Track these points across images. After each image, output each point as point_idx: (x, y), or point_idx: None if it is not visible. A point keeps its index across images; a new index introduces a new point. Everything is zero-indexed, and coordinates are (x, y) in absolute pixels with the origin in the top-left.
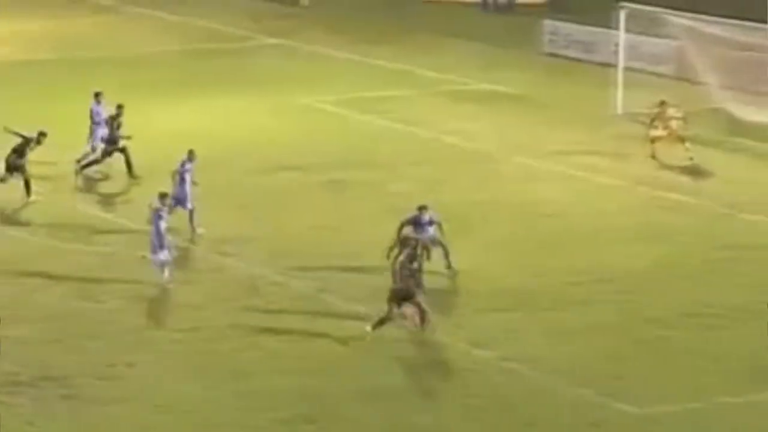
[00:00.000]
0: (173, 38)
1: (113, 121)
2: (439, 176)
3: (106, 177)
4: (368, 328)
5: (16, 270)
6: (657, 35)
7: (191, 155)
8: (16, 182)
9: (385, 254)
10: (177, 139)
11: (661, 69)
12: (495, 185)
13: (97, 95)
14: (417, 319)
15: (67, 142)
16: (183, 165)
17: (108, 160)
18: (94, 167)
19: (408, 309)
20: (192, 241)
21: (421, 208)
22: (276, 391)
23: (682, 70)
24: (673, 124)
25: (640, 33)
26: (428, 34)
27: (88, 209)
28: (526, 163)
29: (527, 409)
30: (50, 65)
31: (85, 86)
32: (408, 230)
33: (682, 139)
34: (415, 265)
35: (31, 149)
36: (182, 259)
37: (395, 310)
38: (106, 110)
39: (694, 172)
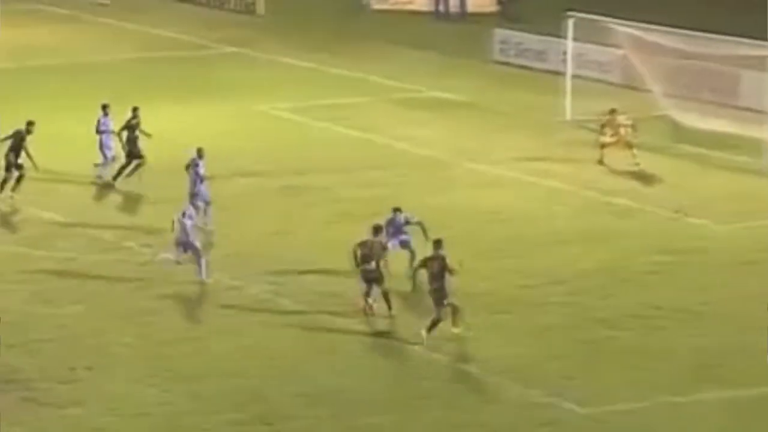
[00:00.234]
0: (129, 46)
1: (130, 125)
2: (393, 182)
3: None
4: (423, 332)
5: None
6: (604, 44)
7: (200, 153)
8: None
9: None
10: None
11: (608, 77)
12: (448, 190)
13: (104, 107)
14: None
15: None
16: (195, 164)
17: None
18: (125, 172)
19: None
20: (206, 233)
21: (396, 210)
22: (231, 393)
23: (628, 78)
24: (622, 131)
25: (588, 42)
26: (382, 42)
27: (48, 215)
28: (478, 168)
29: (478, 409)
30: (5, 74)
31: (39, 93)
32: (387, 231)
33: (630, 146)
34: (372, 265)
35: (26, 141)
36: (138, 265)
37: (441, 309)
38: (113, 121)
39: (641, 177)
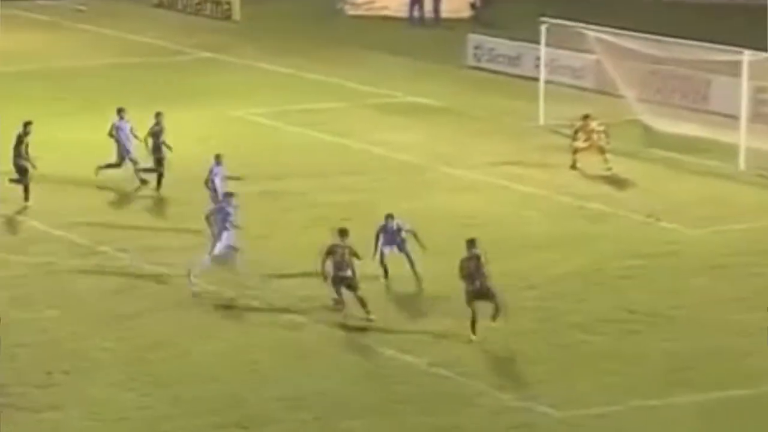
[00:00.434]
0: (106, 52)
1: (155, 131)
2: (369, 186)
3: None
4: (473, 337)
5: None
6: (577, 50)
7: (218, 159)
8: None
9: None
10: (105, 150)
11: (582, 82)
12: (423, 195)
13: (119, 111)
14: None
15: None
16: (211, 170)
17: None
18: (147, 175)
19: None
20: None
21: (388, 217)
22: (211, 397)
23: (601, 84)
24: (595, 136)
25: (561, 47)
26: (357, 48)
27: (25, 219)
28: (453, 173)
29: (452, 413)
30: None
31: (12, 97)
32: (381, 238)
33: (602, 151)
34: (348, 272)
35: (26, 142)
36: (114, 269)
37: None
38: (130, 124)
39: (614, 182)
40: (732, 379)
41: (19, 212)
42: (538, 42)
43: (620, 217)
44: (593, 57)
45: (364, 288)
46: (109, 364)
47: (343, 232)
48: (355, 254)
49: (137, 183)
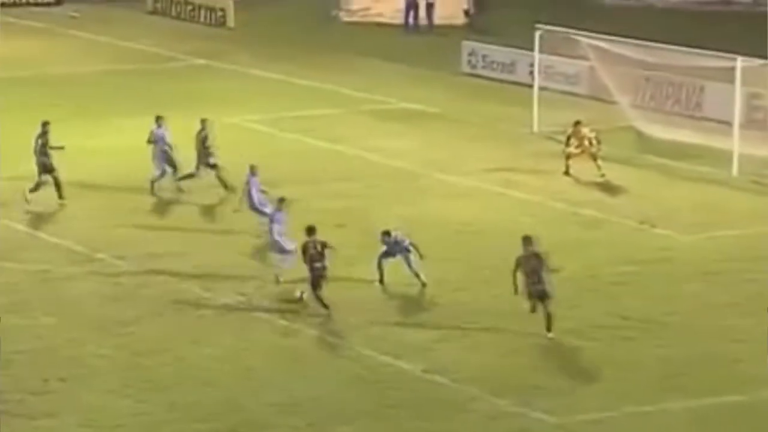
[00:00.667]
0: (100, 59)
1: (202, 136)
2: (364, 193)
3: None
4: (551, 335)
5: None
6: (571, 56)
7: (253, 170)
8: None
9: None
10: (100, 156)
11: (576, 89)
12: (417, 201)
13: (158, 119)
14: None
15: None
16: (247, 181)
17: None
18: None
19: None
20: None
21: (384, 234)
22: (207, 403)
23: (595, 90)
24: (587, 142)
25: (555, 54)
26: (352, 54)
27: (19, 226)
28: (448, 179)
29: (446, 419)
30: None
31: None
32: (393, 251)
33: (594, 157)
34: (324, 263)
35: (46, 142)
36: (110, 275)
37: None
38: (168, 133)
39: (607, 188)
40: (725, 385)
41: (14, 218)
42: (532, 49)
43: (614, 224)
44: (587, 63)
45: (359, 293)
46: (105, 371)
47: (310, 230)
48: (325, 245)
49: (180, 190)
